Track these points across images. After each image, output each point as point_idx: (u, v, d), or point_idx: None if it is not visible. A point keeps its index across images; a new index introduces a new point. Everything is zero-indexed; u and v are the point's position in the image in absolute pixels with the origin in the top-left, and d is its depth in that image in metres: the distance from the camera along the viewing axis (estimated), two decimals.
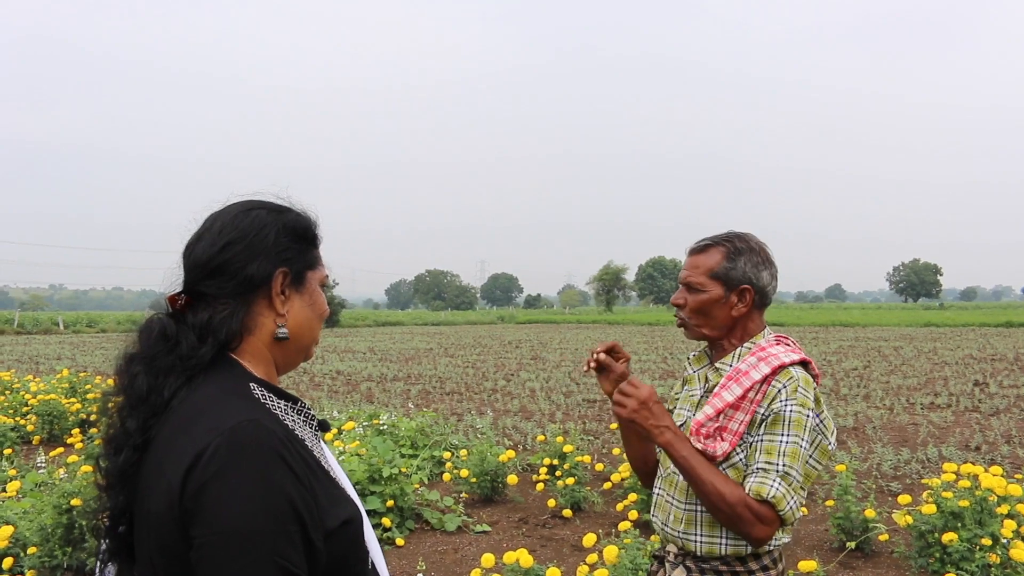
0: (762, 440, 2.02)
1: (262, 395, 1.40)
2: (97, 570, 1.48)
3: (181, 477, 1.26)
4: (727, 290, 2.15)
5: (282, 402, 1.44)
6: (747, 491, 1.98)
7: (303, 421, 1.47)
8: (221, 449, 1.26)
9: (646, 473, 2.46)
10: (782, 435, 2.00)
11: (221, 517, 1.22)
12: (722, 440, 2.05)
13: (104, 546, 1.43)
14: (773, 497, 1.95)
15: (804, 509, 2.04)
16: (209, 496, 1.23)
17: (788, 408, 2.00)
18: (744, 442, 2.05)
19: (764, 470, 1.99)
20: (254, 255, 1.43)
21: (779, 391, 2.03)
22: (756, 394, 2.05)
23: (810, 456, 2.06)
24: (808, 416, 2.02)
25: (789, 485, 1.98)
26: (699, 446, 2.06)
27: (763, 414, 2.03)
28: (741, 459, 2.05)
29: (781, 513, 1.96)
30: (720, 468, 2.06)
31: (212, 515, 1.23)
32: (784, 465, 1.98)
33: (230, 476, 1.24)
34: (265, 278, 1.44)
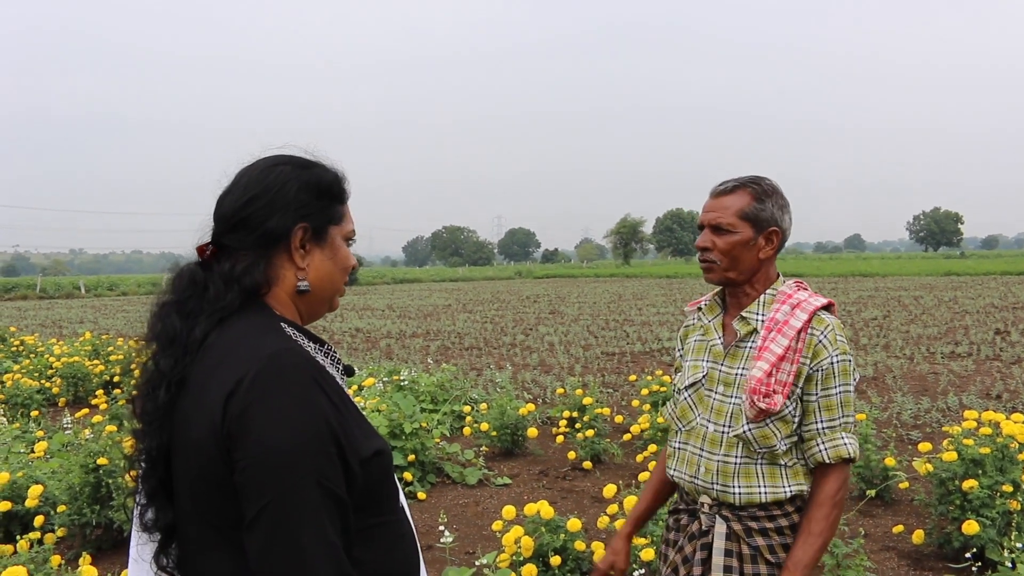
0: (819, 399, 2.08)
1: (293, 333, 1.46)
2: (135, 535, 1.49)
3: (222, 403, 1.30)
4: (756, 232, 2.12)
5: (311, 343, 1.50)
6: (825, 458, 2.07)
7: (330, 363, 1.53)
8: (261, 374, 1.30)
9: None
10: (835, 388, 2.08)
11: (263, 439, 1.27)
12: (775, 393, 2.06)
13: (139, 499, 1.45)
14: (853, 453, 2.07)
15: None
16: (251, 419, 1.28)
17: (835, 361, 2.07)
18: (791, 393, 2.07)
19: (831, 428, 2.08)
20: (274, 210, 1.46)
21: (820, 342, 2.07)
22: (798, 343, 2.07)
23: None
24: (849, 360, 2.10)
25: (852, 432, 2.09)
26: (762, 405, 2.05)
27: (811, 368, 2.07)
28: (790, 411, 2.08)
29: (855, 459, 2.09)
30: (768, 422, 2.08)
31: (256, 437, 1.27)
32: (843, 416, 2.08)
33: (271, 399, 1.29)
34: (284, 233, 1.47)
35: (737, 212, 2.12)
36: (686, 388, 2.30)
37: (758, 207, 2.12)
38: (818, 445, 2.08)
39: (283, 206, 1.47)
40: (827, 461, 2.07)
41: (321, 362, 1.47)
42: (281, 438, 1.27)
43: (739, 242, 2.12)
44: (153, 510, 1.43)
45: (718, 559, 2.14)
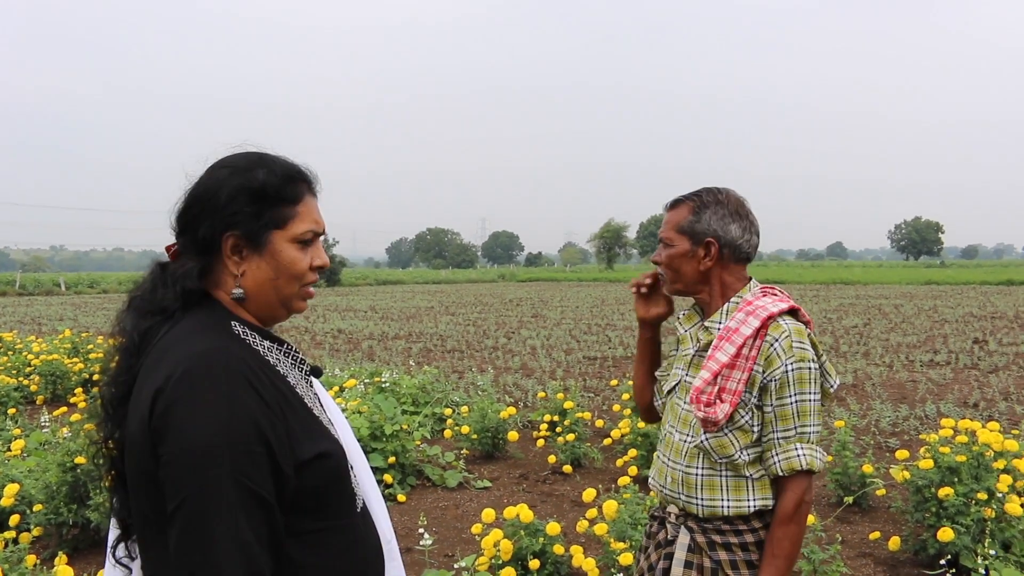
0: (774, 408, 2.04)
1: (242, 332, 1.46)
2: (111, 534, 1.54)
3: (151, 399, 1.32)
4: (693, 244, 2.16)
5: (267, 342, 1.49)
6: (778, 470, 2.03)
7: (291, 363, 1.52)
8: (188, 372, 1.32)
9: (642, 406, 2.53)
10: (790, 397, 2.03)
11: (185, 435, 1.28)
12: (722, 402, 2.04)
13: (111, 490, 1.51)
14: (808, 465, 2.02)
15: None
16: (174, 415, 1.29)
17: (790, 369, 2.02)
18: (745, 403, 2.05)
19: (786, 439, 2.03)
20: (204, 218, 1.46)
21: (774, 350, 2.03)
22: (750, 350, 2.04)
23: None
24: (810, 368, 2.04)
25: (809, 442, 2.04)
26: (700, 415, 2.05)
27: (765, 378, 2.03)
28: (747, 420, 2.05)
29: (815, 471, 2.04)
30: (725, 431, 2.07)
31: (176, 433, 1.29)
32: (798, 427, 2.03)
33: (194, 396, 1.30)
34: (214, 241, 1.46)
35: (675, 226, 2.19)
36: (664, 396, 2.34)
37: (693, 220, 2.16)
38: (773, 456, 2.05)
39: (211, 213, 1.45)
40: (780, 473, 2.03)
41: (274, 361, 1.47)
42: (199, 435, 1.28)
43: (676, 255, 2.18)
44: (116, 500, 1.49)
45: (677, 570, 2.14)
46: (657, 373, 2.45)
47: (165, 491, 1.29)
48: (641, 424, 6.39)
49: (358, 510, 1.55)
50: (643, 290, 2.37)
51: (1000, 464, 4.50)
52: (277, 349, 1.51)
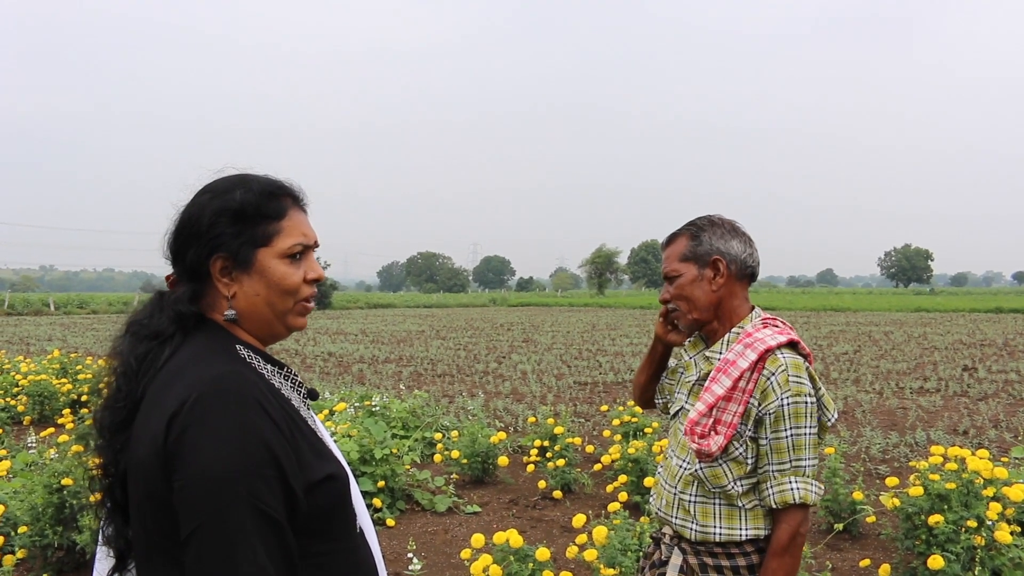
0: (769, 442, 2.04)
1: (248, 356, 1.47)
2: (100, 550, 1.53)
3: (165, 425, 1.32)
4: (700, 267, 2.17)
5: (269, 365, 1.51)
6: (772, 503, 2.03)
7: (291, 386, 1.54)
8: (203, 397, 1.32)
9: (639, 398, 2.57)
10: (785, 431, 2.02)
11: (198, 460, 1.28)
12: (716, 434, 2.05)
13: (103, 517, 1.49)
14: (801, 499, 2.01)
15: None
16: (188, 441, 1.29)
17: (785, 404, 2.01)
18: (740, 434, 2.05)
19: (781, 472, 2.03)
20: (191, 244, 1.48)
21: (770, 384, 2.02)
22: (747, 383, 2.04)
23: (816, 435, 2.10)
24: (806, 403, 2.03)
25: (804, 475, 2.03)
26: (694, 446, 2.07)
27: (760, 411, 2.03)
28: (741, 452, 2.06)
29: (809, 504, 2.03)
30: (720, 462, 2.08)
31: (190, 459, 1.29)
32: (793, 460, 2.02)
33: (208, 421, 1.30)
34: (202, 265, 1.48)
35: (677, 257, 2.20)
36: (670, 420, 2.35)
37: (694, 245, 2.18)
38: (768, 489, 2.05)
39: (196, 238, 1.47)
40: (774, 506, 2.04)
41: (277, 385, 1.48)
42: (214, 460, 1.28)
43: (684, 283, 2.18)
44: (112, 528, 1.48)
45: None
46: (665, 377, 2.50)
47: (180, 516, 1.29)
48: (631, 450, 6.37)
49: (357, 532, 1.56)
50: (671, 306, 2.33)
51: (990, 491, 4.51)
52: (278, 373, 1.53)
